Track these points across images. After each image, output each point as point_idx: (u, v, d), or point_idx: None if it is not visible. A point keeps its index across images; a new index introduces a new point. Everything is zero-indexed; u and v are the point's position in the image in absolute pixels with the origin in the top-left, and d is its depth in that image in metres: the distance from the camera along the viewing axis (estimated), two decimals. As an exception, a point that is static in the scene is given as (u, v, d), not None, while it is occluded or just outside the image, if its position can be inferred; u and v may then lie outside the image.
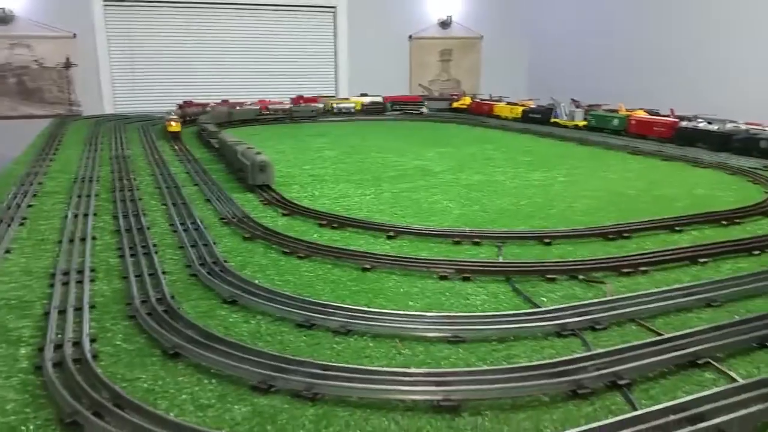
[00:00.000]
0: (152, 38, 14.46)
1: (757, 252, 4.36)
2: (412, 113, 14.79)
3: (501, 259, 4.25)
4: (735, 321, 3.10)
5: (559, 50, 16.54)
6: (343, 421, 2.36)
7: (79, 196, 5.77)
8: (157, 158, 8.04)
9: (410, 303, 3.52)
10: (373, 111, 14.44)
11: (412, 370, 2.71)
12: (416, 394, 2.51)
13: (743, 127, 8.79)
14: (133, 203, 5.47)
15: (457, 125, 13.10)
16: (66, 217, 5.09)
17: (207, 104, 13.45)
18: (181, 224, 4.84)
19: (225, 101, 13.67)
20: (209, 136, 9.15)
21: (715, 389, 2.46)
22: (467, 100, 14.95)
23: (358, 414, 2.41)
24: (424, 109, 14.93)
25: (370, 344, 3.00)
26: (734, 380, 2.60)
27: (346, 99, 14.86)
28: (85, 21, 13.61)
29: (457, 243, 4.59)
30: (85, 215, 5.10)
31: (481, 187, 6.62)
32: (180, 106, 13.45)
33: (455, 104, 15.00)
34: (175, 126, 9.68)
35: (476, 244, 4.58)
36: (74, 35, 13.58)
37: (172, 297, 3.37)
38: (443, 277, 3.88)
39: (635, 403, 2.47)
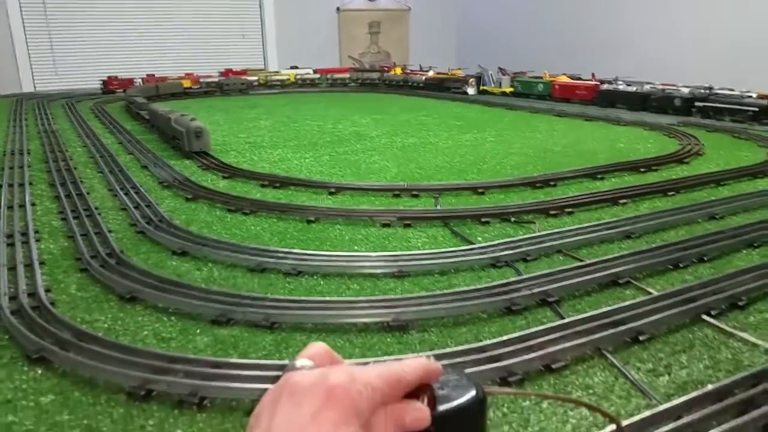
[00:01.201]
0: (71, 12, 13.88)
1: (671, 193, 4.76)
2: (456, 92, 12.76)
3: (439, 207, 4.49)
4: (651, 247, 3.45)
5: (486, 20, 16.91)
6: (301, 343, 2.54)
7: (12, 168, 5.64)
8: (87, 131, 7.86)
9: (355, 248, 3.71)
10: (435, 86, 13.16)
11: (363, 297, 2.91)
12: (368, 317, 2.71)
13: (659, 87, 9.35)
14: (69, 172, 5.40)
15: (390, 95, 13.29)
16: (1, 186, 4.99)
17: (132, 80, 13.13)
18: (121, 189, 4.84)
19: (151, 76, 13.36)
20: (138, 108, 8.99)
21: (632, 301, 2.77)
22: (398, 71, 15.14)
23: (314, 336, 2.60)
24: (470, 89, 12.65)
25: (321, 282, 3.17)
26: (650, 293, 2.92)
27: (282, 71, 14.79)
28: (-4, -3, 12.97)
29: (397, 196, 4.80)
30: (21, 185, 5.02)
31: (416, 149, 6.84)
32: (104, 82, 13.08)
33: (387, 75, 15.15)
34: None
35: (415, 196, 4.80)
36: (-17, 9, 12.92)
37: (121, 251, 3.43)
38: (386, 225, 4.08)
39: (563, 314, 2.75)
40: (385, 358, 2.40)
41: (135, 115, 9.18)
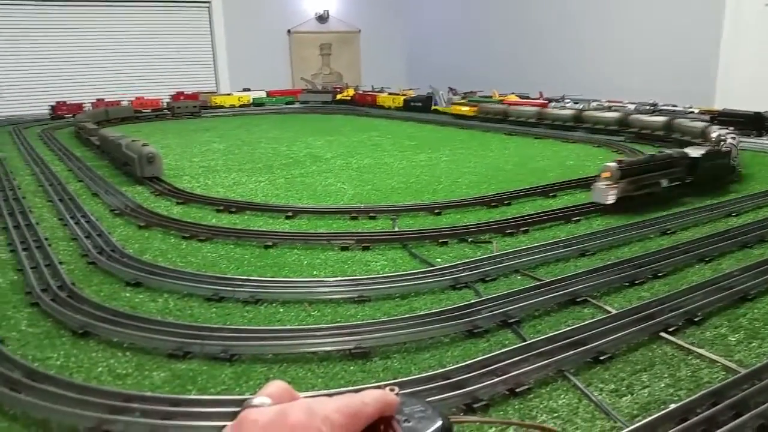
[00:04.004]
0: (16, 35, 13.50)
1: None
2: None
3: (397, 229, 4.50)
4: (607, 265, 3.52)
5: (435, 41, 17.18)
6: (261, 375, 2.49)
7: (-45, 198, 5.43)
8: (35, 158, 7.62)
9: (315, 273, 3.68)
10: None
11: (324, 325, 2.88)
12: (329, 345, 2.68)
13: (605, 104, 9.63)
14: (17, 201, 5.22)
15: (343, 115, 13.33)
16: (-58, 218, 4.79)
17: (81, 105, 12.82)
18: (71, 218, 4.70)
19: (100, 100, 13.07)
20: (88, 134, 8.77)
21: (592, 320, 2.82)
22: (350, 92, 15.21)
23: (275, 368, 2.56)
24: None
25: (280, 310, 3.13)
26: (608, 312, 2.97)
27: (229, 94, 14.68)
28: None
29: (354, 218, 4.80)
30: (-36, 216, 4.82)
31: (371, 170, 6.86)
32: (53, 108, 12.74)
33: (339, 96, 15.21)
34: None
35: (372, 218, 4.80)
36: None
37: (73, 284, 3.32)
38: (344, 248, 4.07)
39: (524, 336, 2.78)
40: (348, 388, 2.38)
41: (85, 141, 8.95)
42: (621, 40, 11.98)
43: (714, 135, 6.33)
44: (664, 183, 5.08)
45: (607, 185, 4.77)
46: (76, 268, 3.71)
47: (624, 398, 2.24)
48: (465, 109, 11.48)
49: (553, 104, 10.34)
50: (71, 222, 4.59)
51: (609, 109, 9.30)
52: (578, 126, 9.15)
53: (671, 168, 5.14)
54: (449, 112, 11.93)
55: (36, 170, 6.83)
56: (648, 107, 8.94)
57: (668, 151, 5.40)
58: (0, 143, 9.08)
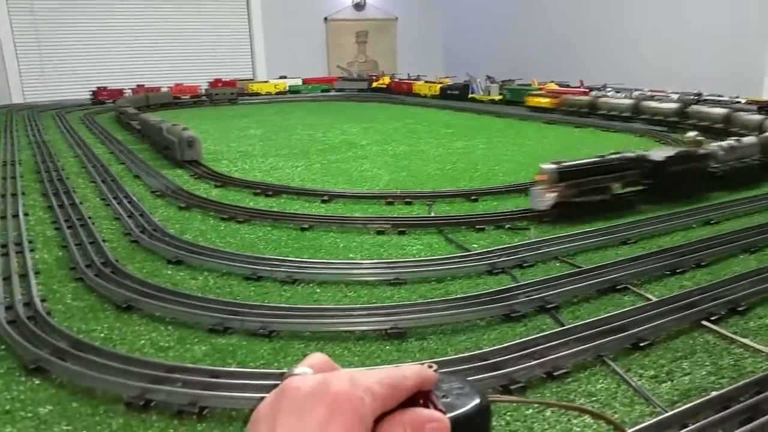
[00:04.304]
0: (61, 24, 13.80)
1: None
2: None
3: (433, 214, 4.50)
4: (648, 253, 3.47)
5: (473, 28, 17.01)
6: (299, 351, 2.53)
7: (3, 178, 5.59)
8: (78, 141, 7.81)
9: (351, 256, 3.70)
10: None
11: (360, 305, 2.90)
12: (366, 325, 2.70)
13: (648, 93, 9.42)
14: (61, 182, 5.36)
15: (378, 103, 13.31)
16: (-7, 197, 4.96)
17: (122, 90, 13.06)
18: (114, 198, 4.81)
19: (140, 86, 13.30)
20: (129, 118, 8.94)
21: (632, 307, 2.79)
22: (386, 80, 15.18)
23: (312, 345, 2.59)
24: None
25: (317, 290, 3.16)
26: (649, 300, 2.92)
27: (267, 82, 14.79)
28: (-16, 6, 12.87)
29: (390, 203, 4.80)
30: (13, 195, 4.97)
31: (407, 156, 6.85)
32: (94, 93, 13.00)
33: (375, 84, 15.20)
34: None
35: (408, 203, 4.80)
36: (-27, 22, 12.84)
37: (117, 260, 3.40)
38: (380, 232, 4.08)
39: (562, 321, 2.75)
40: (385, 366, 2.39)
41: (126, 125, 9.13)
42: (663, 27, 11.71)
43: None
44: (616, 188, 4.54)
45: (544, 189, 4.26)
46: (119, 246, 3.79)
47: (664, 384, 2.20)
48: (544, 101, 10.37)
49: (595, 92, 10.16)
50: (114, 202, 4.69)
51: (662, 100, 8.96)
52: (635, 117, 8.78)
53: (624, 171, 4.56)
54: (533, 104, 10.56)
55: (78, 152, 7.00)
56: (692, 97, 8.71)
57: (624, 152, 4.77)
58: (44, 127, 9.31)
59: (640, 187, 4.74)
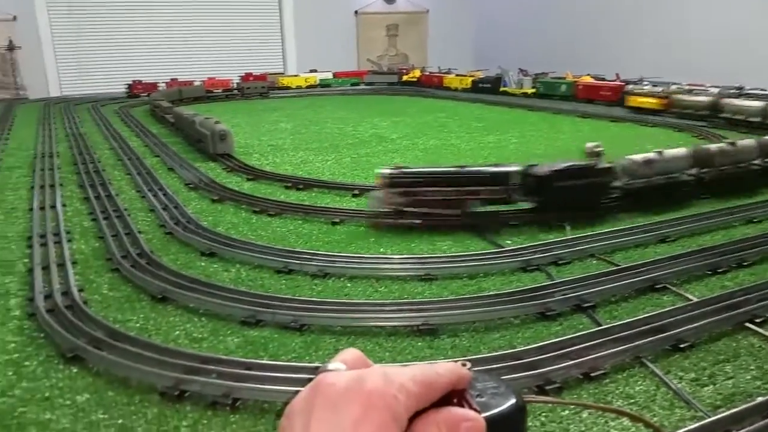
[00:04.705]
0: (96, 19, 14.04)
1: (706, 196, 4.64)
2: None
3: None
4: (688, 252, 3.38)
5: (505, 21, 16.83)
6: (330, 345, 2.52)
7: (42, 170, 5.70)
8: (113, 134, 7.93)
9: (381, 250, 3.68)
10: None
11: (391, 300, 2.88)
12: (397, 321, 2.68)
13: (686, 87, 9.20)
14: (98, 174, 5.44)
15: (408, 97, 13.26)
16: (32, 188, 5.05)
17: (156, 84, 13.24)
18: (149, 190, 4.86)
19: (174, 80, 13.47)
20: (163, 111, 9.05)
21: (672, 307, 2.72)
22: (416, 73, 15.12)
23: (344, 340, 2.58)
24: None
25: (348, 284, 3.15)
26: (689, 300, 2.84)
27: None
28: (25, 2, 13.13)
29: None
30: (51, 186, 5.07)
31: (437, 150, 6.81)
32: (129, 87, 13.21)
33: (405, 77, 15.15)
34: None
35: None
36: (14, 17, 13.11)
37: (152, 252, 3.44)
38: (411, 227, 4.04)
39: (600, 321, 2.70)
40: (417, 363, 2.37)
41: (160, 119, 9.24)
42: (701, 20, 11.42)
43: None
44: (474, 204, 4.01)
45: (382, 193, 3.94)
46: (154, 238, 3.83)
47: (706, 388, 2.14)
48: (651, 101, 9.24)
49: (630, 86, 9.96)
50: (149, 194, 4.75)
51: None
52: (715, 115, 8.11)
53: (479, 185, 3.99)
54: (635, 105, 9.45)
55: (114, 145, 7.10)
56: (734, 91, 8.48)
57: (489, 166, 4.24)
58: (80, 119, 9.47)
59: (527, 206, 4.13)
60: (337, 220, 4.17)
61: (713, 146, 4.86)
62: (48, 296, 2.83)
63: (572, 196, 4.03)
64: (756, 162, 4.82)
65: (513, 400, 0.54)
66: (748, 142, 4.93)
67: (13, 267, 3.35)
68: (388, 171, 3.97)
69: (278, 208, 4.42)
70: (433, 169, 4.18)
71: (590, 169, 4.18)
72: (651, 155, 4.37)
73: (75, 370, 2.29)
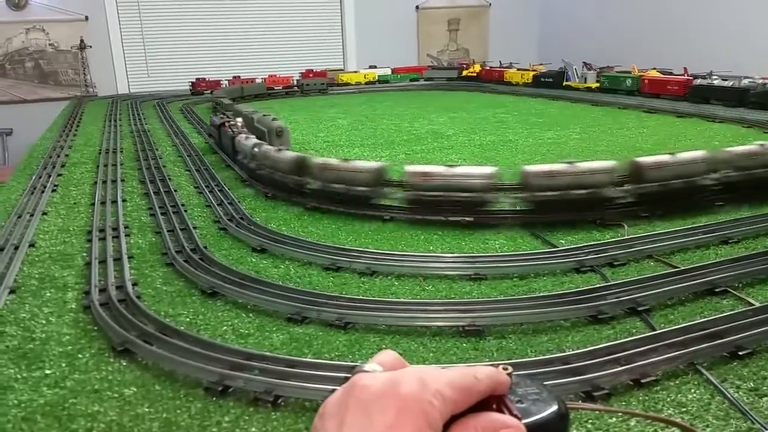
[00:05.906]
0: (163, 18, 14.53)
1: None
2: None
3: (518, 207, 4.36)
4: (751, 254, 3.20)
5: (569, 13, 16.41)
6: (374, 344, 2.51)
7: (106, 165, 5.93)
8: (176, 131, 8.18)
9: (431, 248, 3.65)
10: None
11: (438, 300, 2.85)
12: (443, 321, 2.65)
13: (759, 81, 8.74)
14: (158, 170, 5.62)
15: (468, 92, 13.12)
16: (95, 183, 5.26)
17: (219, 81, 13.56)
18: (206, 186, 4.99)
19: (236, 78, 13.76)
20: (224, 109, 9.26)
21: (732, 312, 2.58)
22: (476, 68, 14.93)
23: (388, 339, 2.56)
24: None
25: (395, 283, 3.14)
26: (751, 305, 2.70)
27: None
28: (95, 3, 13.71)
29: (474, 195, 4.69)
30: (113, 181, 5.26)
31: (494, 147, 6.70)
32: (193, 84, 13.57)
33: (465, 72, 14.99)
34: None
35: (492, 195, 4.67)
36: (86, 18, 13.70)
37: (205, 247, 3.52)
38: (462, 225, 3.99)
39: (654, 325, 2.59)
40: (460, 365, 2.33)
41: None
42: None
43: None
44: None
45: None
46: (208, 233, 3.92)
47: (765, 399, 2.02)
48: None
49: (698, 81, 9.55)
50: (206, 190, 4.87)
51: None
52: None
53: None
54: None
55: (176, 142, 7.32)
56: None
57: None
58: (145, 116, 9.81)
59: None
60: (387, 217, 4.16)
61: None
62: (103, 290, 2.94)
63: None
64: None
65: (555, 407, 0.53)
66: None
67: (72, 260, 3.50)
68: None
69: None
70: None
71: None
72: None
73: (124, 364, 2.36)
